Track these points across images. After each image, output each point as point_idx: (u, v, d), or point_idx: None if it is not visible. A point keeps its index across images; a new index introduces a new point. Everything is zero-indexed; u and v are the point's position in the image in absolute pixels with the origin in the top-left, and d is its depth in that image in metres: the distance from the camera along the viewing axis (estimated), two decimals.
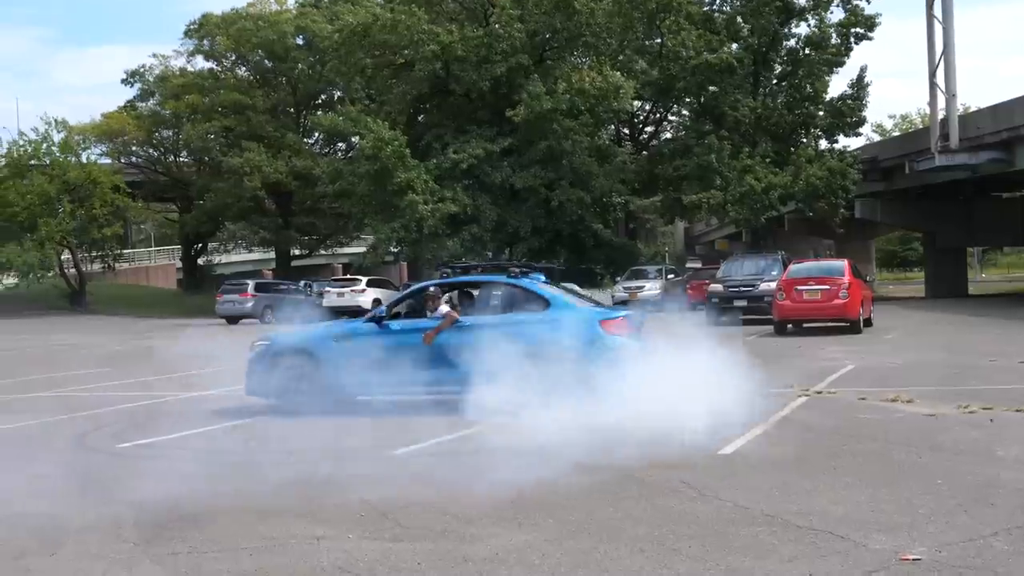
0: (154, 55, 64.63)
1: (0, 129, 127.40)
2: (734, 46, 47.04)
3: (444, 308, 12.75)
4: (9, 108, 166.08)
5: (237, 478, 9.03)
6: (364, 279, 43.94)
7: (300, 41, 59.31)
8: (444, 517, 7.31)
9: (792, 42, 48.20)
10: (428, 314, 12.74)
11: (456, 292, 13.60)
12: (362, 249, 56.21)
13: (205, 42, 60.84)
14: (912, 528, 6.70)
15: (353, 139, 50.64)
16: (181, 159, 65.48)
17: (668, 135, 54.74)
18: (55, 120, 53.28)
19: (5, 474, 9.46)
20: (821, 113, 47.29)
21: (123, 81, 62.56)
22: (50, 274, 51.18)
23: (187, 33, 60.98)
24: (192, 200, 62.36)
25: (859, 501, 7.49)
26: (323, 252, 66.84)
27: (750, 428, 10.61)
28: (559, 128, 43.79)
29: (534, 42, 46.84)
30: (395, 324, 12.81)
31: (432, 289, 12.96)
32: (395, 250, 46.71)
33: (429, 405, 12.41)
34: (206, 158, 60.44)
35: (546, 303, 12.69)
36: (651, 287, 40.42)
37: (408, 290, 13.54)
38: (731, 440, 9.91)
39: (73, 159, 53.79)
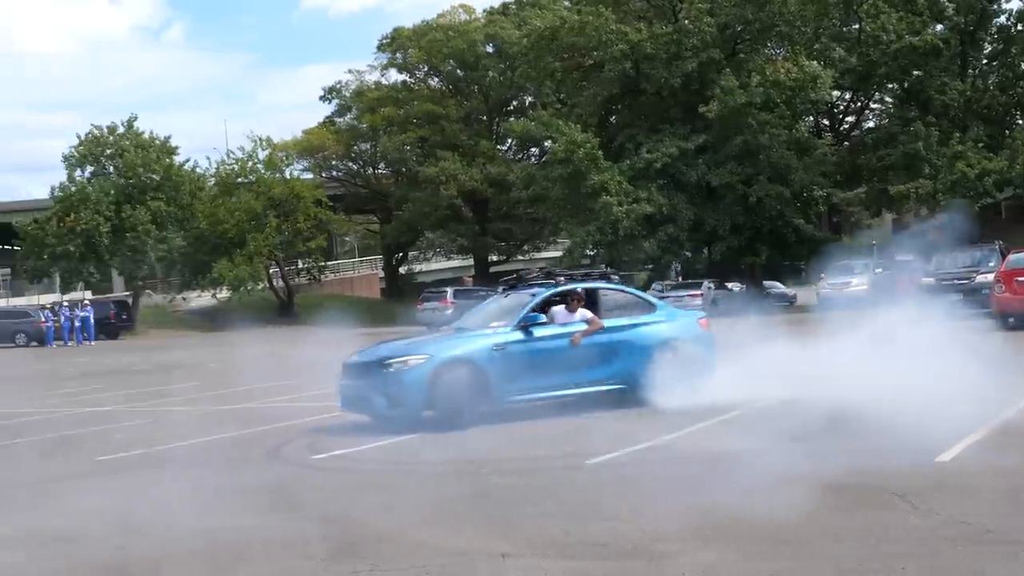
0: (350, 71, 66.97)
1: (212, 150, 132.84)
2: (938, 27, 45.29)
3: (586, 312, 13.23)
4: (219, 130, 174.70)
5: (423, 491, 9.05)
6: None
7: (490, 49, 60.32)
8: (634, 532, 7.08)
9: (1003, 19, 46.09)
10: (558, 318, 13.24)
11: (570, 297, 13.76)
12: (558, 253, 56.69)
13: (398, 55, 62.76)
14: None
15: (545, 143, 51.16)
16: (379, 171, 67.49)
17: (871, 124, 52.97)
18: (260, 139, 55.89)
19: (197, 487, 9.66)
20: None
21: (321, 98, 65.10)
22: (259, 287, 53.52)
23: (380, 47, 63.02)
24: (391, 211, 64.17)
25: None
26: (520, 257, 67.71)
27: (969, 432, 9.85)
28: (754, 122, 43.15)
29: (725, 35, 46.37)
30: (538, 330, 13.06)
31: (579, 291, 13.44)
32: (591, 253, 46.91)
33: (614, 413, 12.55)
34: (403, 169, 62.23)
35: (652, 306, 14.42)
36: (858, 282, 39.22)
37: (540, 296, 13.47)
38: (948, 446, 9.24)
39: (277, 175, 56.21)
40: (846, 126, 54.07)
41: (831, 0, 45.73)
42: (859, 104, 52.68)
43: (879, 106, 52.26)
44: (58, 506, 9.13)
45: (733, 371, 13.58)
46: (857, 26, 46.63)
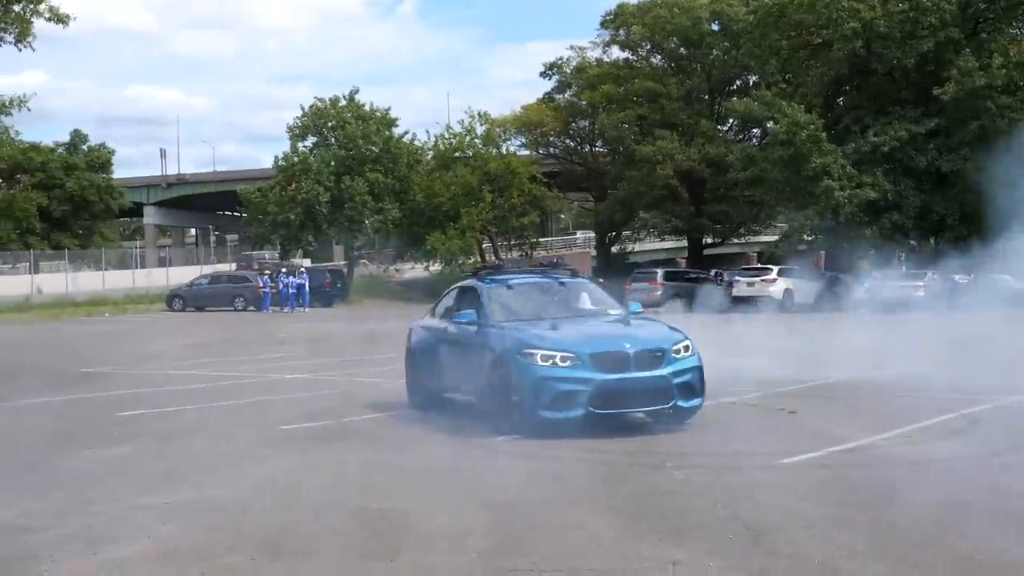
0: (571, 47, 67.25)
1: (434, 124, 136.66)
2: None
3: None
4: (443, 105, 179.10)
5: (600, 485, 8.85)
6: (775, 268, 43.50)
7: (715, 27, 59.72)
8: (824, 546, 6.76)
9: None
10: None
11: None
12: (775, 237, 55.76)
13: (621, 32, 62.85)
14: None
15: (768, 124, 50.35)
16: (596, 149, 67.83)
17: None
18: (478, 113, 57.21)
19: (371, 463, 9.90)
20: None
21: (541, 74, 65.75)
22: (471, 260, 54.87)
23: (603, 24, 63.31)
24: (606, 189, 64.44)
25: None
26: (736, 240, 66.85)
27: None
28: (994, 106, 41.19)
29: (966, 14, 44.55)
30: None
31: None
32: (809, 238, 45.97)
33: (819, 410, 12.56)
34: (620, 147, 62.30)
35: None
36: None
37: None
38: None
39: (494, 151, 57.30)
40: None
41: None
42: None
43: None
44: (232, 476, 9.50)
45: None
46: None
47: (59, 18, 31.18)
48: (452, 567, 6.49)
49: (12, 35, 30.81)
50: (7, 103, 35.24)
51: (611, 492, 8.56)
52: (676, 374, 11.38)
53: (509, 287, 13.31)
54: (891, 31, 43.53)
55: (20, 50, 31.13)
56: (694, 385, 11.57)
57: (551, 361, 11.12)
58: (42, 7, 30.68)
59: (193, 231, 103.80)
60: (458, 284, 14.72)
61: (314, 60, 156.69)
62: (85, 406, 14.95)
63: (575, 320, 12.52)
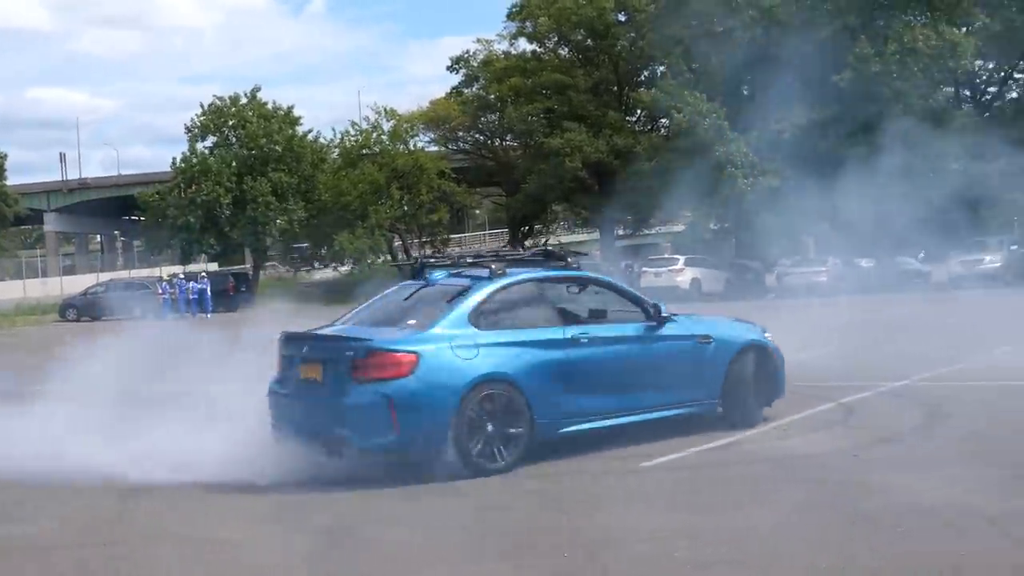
0: (478, 40, 67.62)
1: (345, 122, 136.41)
2: None
3: None
4: (355, 102, 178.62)
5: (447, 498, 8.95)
6: (682, 258, 44.57)
7: (621, 17, 60.53)
8: (663, 560, 6.88)
9: None
10: None
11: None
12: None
13: (527, 24, 63.23)
14: None
15: (672, 114, 51.47)
16: (506, 143, 68.42)
17: (1014, 95, 51.61)
18: (384, 109, 57.80)
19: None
20: None
21: (448, 68, 66.04)
22: (379, 260, 55.32)
23: (510, 16, 63.65)
24: (517, 183, 65.19)
25: None
26: (647, 231, 67.98)
27: None
28: (889, 91, 42.65)
29: (863, 1, 45.85)
30: None
31: None
32: (715, 228, 47.17)
33: None
34: (529, 140, 62.97)
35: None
36: (991, 260, 38.87)
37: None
38: None
39: (402, 147, 57.80)
40: (988, 97, 52.83)
41: None
42: (1003, 74, 51.40)
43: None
44: None
45: None
46: None
47: None
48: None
49: None
50: None
51: (460, 505, 8.71)
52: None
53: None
54: (790, 19, 44.73)
55: None
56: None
57: None
58: None
59: (99, 238, 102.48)
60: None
61: (224, 59, 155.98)
62: None
63: None
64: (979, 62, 48.21)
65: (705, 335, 11.63)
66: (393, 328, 10.51)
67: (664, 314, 11.43)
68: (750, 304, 34.06)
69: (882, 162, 43.37)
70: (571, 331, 10.63)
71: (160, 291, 47.46)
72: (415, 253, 60.43)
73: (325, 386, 10.06)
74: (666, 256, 49.20)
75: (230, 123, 56.22)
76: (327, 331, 10.93)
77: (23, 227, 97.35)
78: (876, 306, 31.79)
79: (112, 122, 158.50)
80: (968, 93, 50.87)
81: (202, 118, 56.45)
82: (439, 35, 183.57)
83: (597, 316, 11.09)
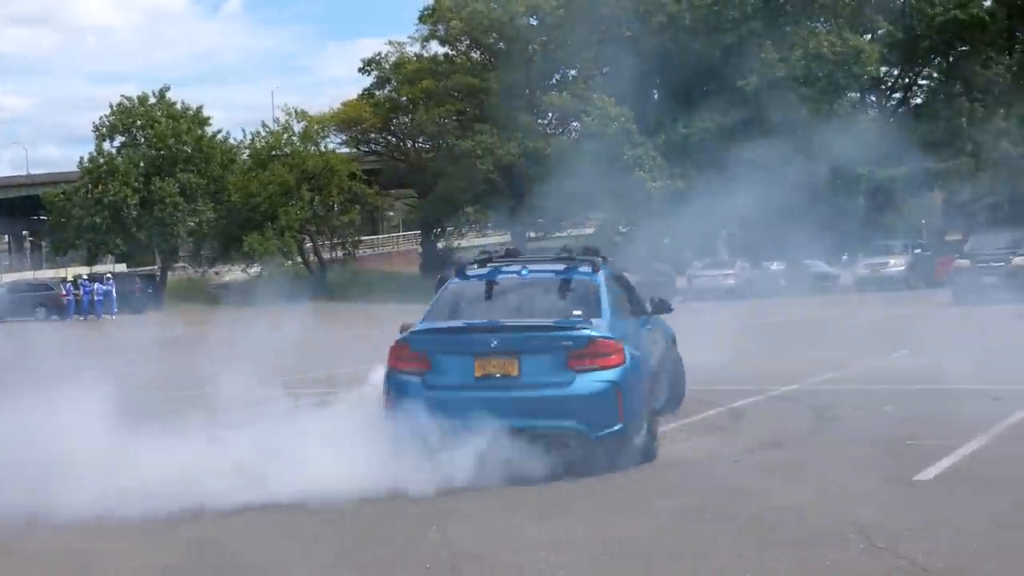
0: (390, 42, 65.05)
1: (257, 123, 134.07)
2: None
3: None
4: (266, 103, 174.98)
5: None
6: None
7: (532, 21, 58.38)
8: (529, 571, 6.25)
9: None
10: None
11: None
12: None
13: (439, 27, 60.91)
14: None
15: (584, 117, 49.65)
16: (418, 145, 65.97)
17: (918, 100, 50.71)
18: (295, 111, 55.27)
19: None
20: None
21: (360, 70, 63.29)
22: (288, 262, 52.80)
23: (421, 18, 61.33)
24: (430, 185, 62.81)
25: None
26: (559, 233, 66.03)
27: None
28: (795, 96, 41.05)
29: (768, 6, 44.34)
30: None
31: None
32: (623, 230, 45.22)
33: None
34: (441, 143, 60.64)
35: None
36: (896, 263, 37.81)
37: None
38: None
39: (312, 148, 55.26)
40: (893, 102, 51.80)
41: None
42: (907, 80, 50.29)
43: (927, 82, 49.98)
44: None
45: None
46: None
47: None
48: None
49: None
50: None
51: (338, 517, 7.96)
52: None
53: None
54: (697, 25, 43.19)
55: None
56: None
57: None
58: None
59: (6, 238, 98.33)
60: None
61: (139, 59, 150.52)
62: None
63: None
64: (883, 68, 47.08)
65: None
66: (547, 319, 9.85)
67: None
68: None
69: (789, 166, 41.93)
70: (646, 322, 11.24)
71: (64, 292, 44.46)
72: (327, 255, 57.96)
73: (524, 378, 9.33)
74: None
75: (138, 123, 53.25)
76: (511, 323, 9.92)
77: None
78: (780, 309, 32.00)
79: (23, 121, 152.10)
80: (873, 98, 49.75)
81: (110, 118, 53.54)
82: (356, 37, 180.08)
83: (659, 309, 11.76)
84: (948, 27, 41.88)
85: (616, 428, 9.22)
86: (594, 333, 9.52)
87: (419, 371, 9.65)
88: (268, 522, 8.04)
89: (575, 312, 9.91)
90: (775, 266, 41.84)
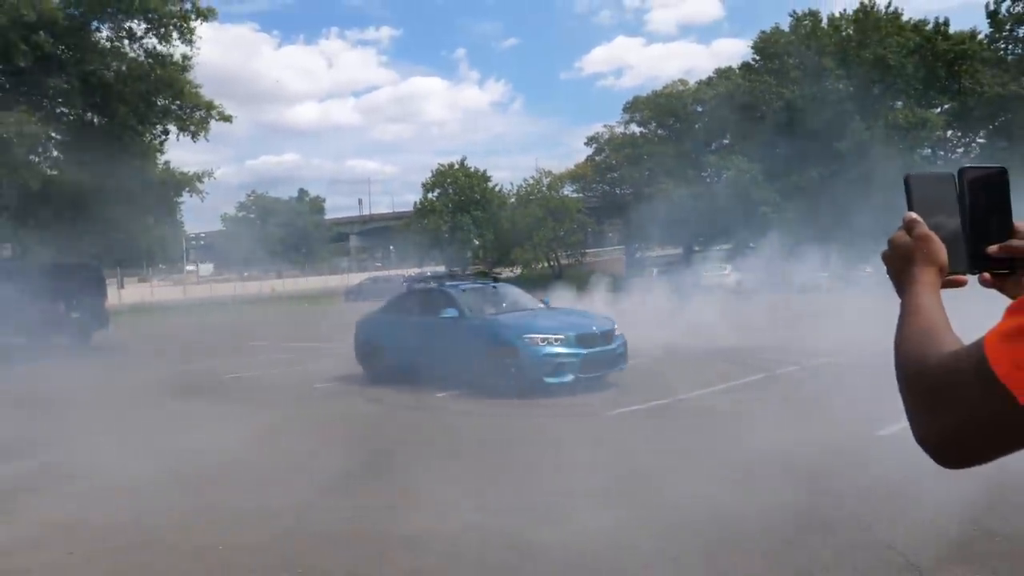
0: (605, 125, 66.22)
1: (521, 180, 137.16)
2: None
3: None
4: (530, 166, 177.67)
5: None
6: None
7: (698, 109, 57.90)
8: None
9: None
10: None
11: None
12: None
13: (636, 114, 61.30)
14: None
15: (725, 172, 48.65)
16: (622, 190, 66.36)
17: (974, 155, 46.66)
18: (544, 171, 57.03)
19: None
20: None
21: (585, 143, 64.79)
22: (539, 266, 54.64)
23: (625, 109, 61.88)
24: (631, 214, 63.14)
25: None
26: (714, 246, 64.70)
27: None
28: (879, 155, 39.04)
29: (858, 91, 42.30)
30: None
31: None
32: (752, 246, 44.26)
33: None
34: (637, 190, 60.80)
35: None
36: None
37: None
38: None
39: (554, 193, 56.87)
40: (954, 156, 48.00)
41: (939, 64, 40.82)
42: (967, 139, 46.42)
43: (983, 140, 45.94)
44: None
45: None
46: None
47: None
48: None
49: None
50: None
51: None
52: (620, 346, 10.73)
53: (464, 291, 11.82)
54: (806, 104, 41.83)
55: None
56: (625, 354, 10.88)
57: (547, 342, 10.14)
58: None
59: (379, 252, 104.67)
60: (416, 289, 12.85)
61: (459, 140, 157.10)
62: None
63: (530, 311, 11.39)
64: (949, 132, 43.95)
65: None
66: None
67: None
68: None
69: (864, 199, 39.99)
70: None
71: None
72: (563, 262, 59.46)
73: None
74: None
75: (448, 180, 56.38)
76: None
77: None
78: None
79: (393, 181, 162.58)
80: (942, 153, 46.39)
81: (432, 178, 56.89)
82: (588, 123, 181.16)
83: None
84: (994, 100, 38.82)
85: None
86: None
87: None
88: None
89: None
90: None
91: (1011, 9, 41.34)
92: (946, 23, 43.89)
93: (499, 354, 10.29)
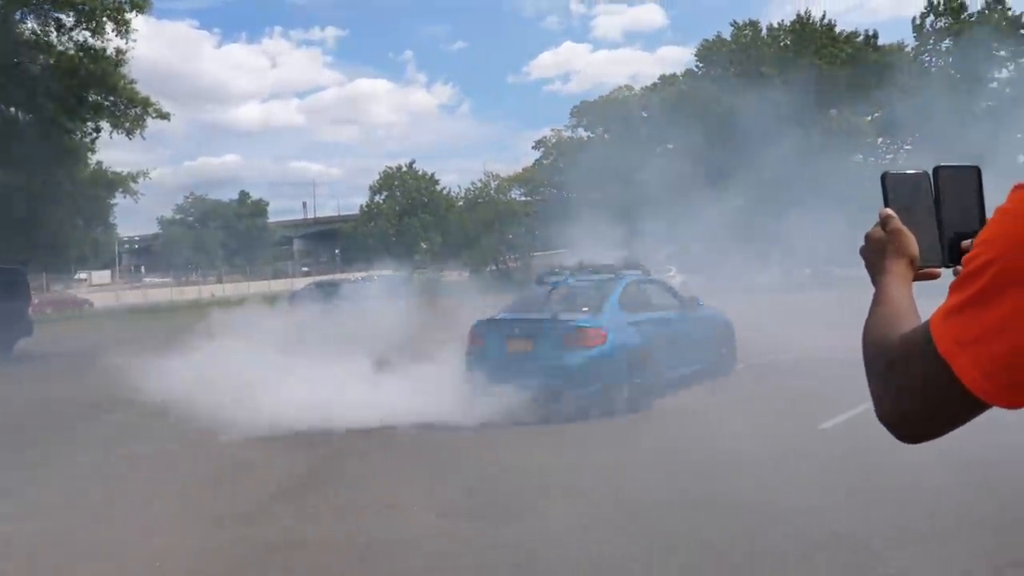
0: (552, 130, 66.40)
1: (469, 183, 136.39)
2: None
3: None
4: (479, 169, 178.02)
5: None
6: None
7: (644, 114, 58.21)
8: None
9: None
10: None
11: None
12: None
13: (583, 119, 61.48)
14: None
15: None
16: (568, 194, 66.42)
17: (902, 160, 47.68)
18: (492, 174, 56.67)
19: None
20: None
21: (533, 147, 64.60)
22: (488, 269, 54.29)
23: (571, 114, 62.16)
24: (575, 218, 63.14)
25: None
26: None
27: None
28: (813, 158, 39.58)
29: (795, 98, 42.71)
30: None
31: None
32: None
33: None
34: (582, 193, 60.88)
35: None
36: None
37: None
38: None
39: (502, 196, 56.57)
40: (886, 160, 49.01)
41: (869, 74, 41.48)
42: (896, 146, 47.32)
43: (909, 147, 46.96)
44: None
45: None
46: None
47: None
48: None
49: None
50: None
51: None
52: None
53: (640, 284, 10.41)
54: (747, 111, 42.11)
55: None
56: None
57: None
58: None
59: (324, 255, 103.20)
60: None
61: (407, 142, 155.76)
62: None
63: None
64: (880, 139, 44.87)
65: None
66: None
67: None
68: None
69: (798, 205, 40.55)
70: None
71: None
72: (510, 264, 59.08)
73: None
74: None
75: (395, 183, 55.57)
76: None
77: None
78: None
79: (339, 183, 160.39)
80: (872, 159, 47.24)
81: (379, 181, 56.01)
82: (537, 127, 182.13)
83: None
84: (919, 109, 39.71)
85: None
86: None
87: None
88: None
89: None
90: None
91: (934, 24, 42.60)
92: (875, 36, 45.08)
93: (726, 343, 10.88)
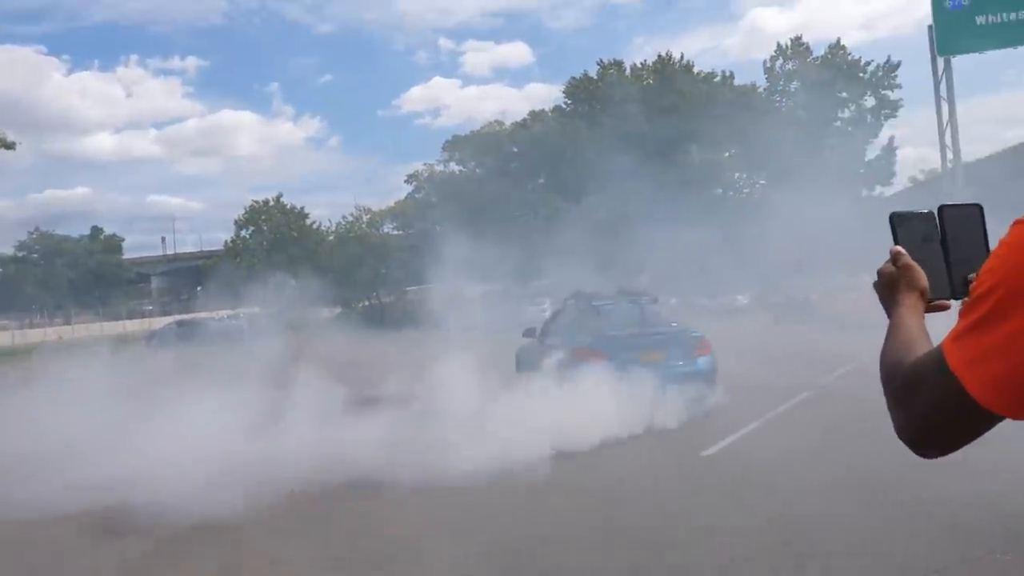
0: (424, 164, 65.86)
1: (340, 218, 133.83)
2: None
3: None
4: (350, 203, 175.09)
5: None
6: None
7: (514, 149, 58.66)
8: None
9: None
10: None
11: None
12: None
13: (456, 153, 61.28)
14: None
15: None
16: (441, 228, 65.94)
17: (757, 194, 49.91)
18: (364, 208, 55.44)
19: None
20: None
21: (405, 181, 63.86)
22: (360, 304, 52.83)
23: (443, 148, 61.87)
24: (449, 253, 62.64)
25: None
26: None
27: None
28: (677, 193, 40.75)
29: (661, 141, 44.02)
30: None
31: None
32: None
33: None
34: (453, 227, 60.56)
35: None
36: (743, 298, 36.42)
37: None
38: None
39: (374, 231, 55.29)
40: (743, 195, 51.11)
41: (725, 113, 43.27)
42: (752, 181, 49.62)
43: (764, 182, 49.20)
44: None
45: None
46: None
47: None
48: None
49: None
50: None
51: None
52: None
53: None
54: (613, 146, 42.94)
55: None
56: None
57: None
58: None
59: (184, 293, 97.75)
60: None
61: (272, 176, 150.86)
62: None
63: None
64: (736, 174, 46.81)
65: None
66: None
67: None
68: None
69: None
70: None
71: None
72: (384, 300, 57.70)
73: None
74: None
75: (262, 217, 53.27)
76: None
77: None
78: None
79: (200, 217, 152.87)
80: (731, 193, 48.78)
81: (245, 215, 53.51)
82: (409, 161, 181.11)
83: None
84: (770, 145, 41.69)
85: None
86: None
87: None
88: None
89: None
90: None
91: (783, 67, 45.30)
92: (732, 76, 47.40)
93: None
